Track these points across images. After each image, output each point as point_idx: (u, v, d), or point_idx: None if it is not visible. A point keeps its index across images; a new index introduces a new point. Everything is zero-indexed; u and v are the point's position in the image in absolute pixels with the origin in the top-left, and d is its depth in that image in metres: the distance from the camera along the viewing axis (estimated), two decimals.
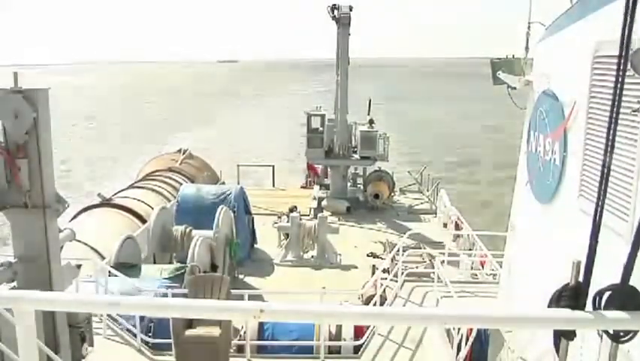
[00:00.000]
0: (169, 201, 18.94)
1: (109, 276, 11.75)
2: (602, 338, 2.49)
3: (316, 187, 25.62)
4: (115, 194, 20.18)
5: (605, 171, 2.44)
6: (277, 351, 10.94)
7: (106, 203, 18.30)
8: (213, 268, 13.86)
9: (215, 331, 10.01)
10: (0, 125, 8.17)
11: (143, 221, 17.23)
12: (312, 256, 17.40)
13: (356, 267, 16.54)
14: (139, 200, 18.97)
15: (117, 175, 36.10)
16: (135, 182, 22.67)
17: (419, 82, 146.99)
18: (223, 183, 23.86)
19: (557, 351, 2.46)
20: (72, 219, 16.39)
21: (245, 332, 10.92)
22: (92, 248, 14.51)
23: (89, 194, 27.73)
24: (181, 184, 19.97)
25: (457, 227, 18.47)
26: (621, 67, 2.33)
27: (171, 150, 27.45)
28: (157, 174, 22.73)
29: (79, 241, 13.17)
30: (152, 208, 16.98)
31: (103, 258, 13.40)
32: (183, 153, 25.12)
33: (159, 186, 20.91)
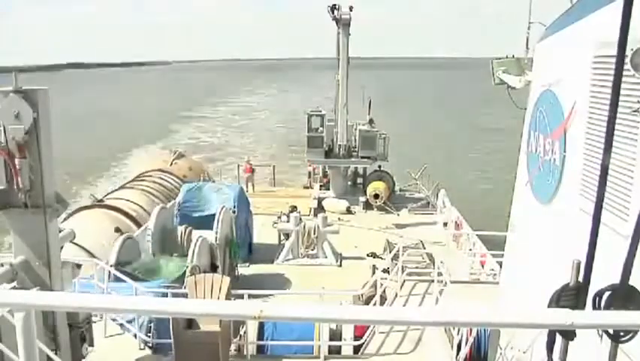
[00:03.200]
0: (162, 202, 18.95)
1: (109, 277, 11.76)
2: (602, 338, 2.49)
3: (316, 187, 25.62)
4: (106, 195, 20.19)
5: (605, 170, 2.44)
6: (277, 351, 10.94)
7: (97, 204, 18.32)
8: (213, 268, 13.85)
9: (215, 331, 10.01)
10: (0, 125, 8.18)
11: (135, 222, 17.24)
12: (312, 256, 17.40)
13: (356, 267, 16.54)
14: (130, 201, 18.99)
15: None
16: (126, 183, 22.65)
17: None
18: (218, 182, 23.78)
19: (550, 351, 2.46)
20: (63, 221, 16.42)
21: (245, 332, 10.92)
22: (84, 248, 14.55)
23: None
24: (172, 185, 19.99)
25: (457, 227, 18.47)
26: (620, 67, 2.33)
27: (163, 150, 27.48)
28: (148, 174, 22.70)
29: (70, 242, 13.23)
30: (144, 209, 16.99)
31: (97, 259, 13.44)
32: (174, 154, 25.07)
33: (150, 187, 20.91)
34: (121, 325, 11.33)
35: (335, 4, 22.54)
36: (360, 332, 11.10)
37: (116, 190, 21.01)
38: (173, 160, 24.38)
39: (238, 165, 27.87)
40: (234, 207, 16.45)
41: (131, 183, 21.91)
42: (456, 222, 18.82)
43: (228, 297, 10.74)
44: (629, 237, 2.32)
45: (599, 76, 4.87)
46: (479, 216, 21.26)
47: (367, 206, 23.14)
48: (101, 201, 18.76)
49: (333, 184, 24.57)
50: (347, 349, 11.08)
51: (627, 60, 4.05)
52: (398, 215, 22.49)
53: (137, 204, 18.74)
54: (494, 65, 11.28)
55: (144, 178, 22.17)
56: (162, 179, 21.93)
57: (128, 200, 19.01)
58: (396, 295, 13.41)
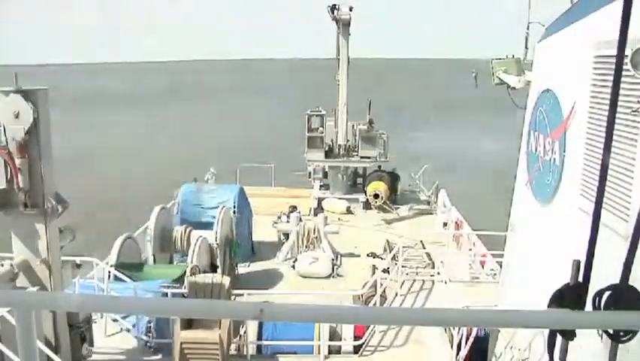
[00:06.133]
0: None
1: (109, 277, 11.76)
2: (602, 338, 2.50)
3: (316, 187, 25.60)
4: None
5: (605, 170, 2.44)
6: (277, 351, 10.95)
7: None
8: (213, 268, 13.86)
9: (215, 331, 10.02)
10: (0, 125, 8.18)
11: None
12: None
13: (356, 267, 16.54)
14: None
15: None
16: None
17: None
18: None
19: (551, 351, 2.46)
20: None
21: (245, 332, 10.92)
22: None
23: None
24: None
25: (457, 227, 18.46)
26: (620, 67, 2.33)
27: None
28: None
29: None
30: None
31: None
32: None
33: None
34: (120, 324, 11.33)
35: (335, 4, 22.51)
36: (360, 331, 11.11)
37: None
38: None
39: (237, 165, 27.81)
40: (235, 207, 16.45)
41: None
42: (456, 222, 18.82)
43: (228, 297, 10.74)
44: (629, 237, 2.32)
45: (599, 76, 4.87)
46: (479, 217, 21.24)
47: (367, 206, 23.11)
48: None
49: (333, 184, 24.57)
50: (347, 349, 11.09)
51: (627, 60, 4.05)
52: (398, 215, 22.50)
53: None
54: (494, 65, 11.28)
55: None
56: None
57: None
58: (396, 295, 13.42)
